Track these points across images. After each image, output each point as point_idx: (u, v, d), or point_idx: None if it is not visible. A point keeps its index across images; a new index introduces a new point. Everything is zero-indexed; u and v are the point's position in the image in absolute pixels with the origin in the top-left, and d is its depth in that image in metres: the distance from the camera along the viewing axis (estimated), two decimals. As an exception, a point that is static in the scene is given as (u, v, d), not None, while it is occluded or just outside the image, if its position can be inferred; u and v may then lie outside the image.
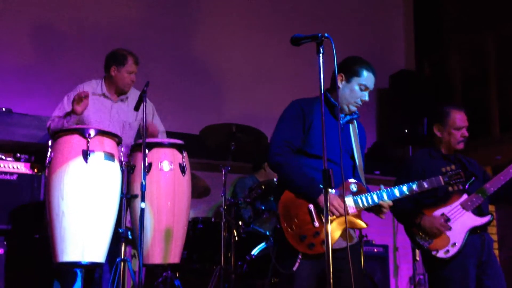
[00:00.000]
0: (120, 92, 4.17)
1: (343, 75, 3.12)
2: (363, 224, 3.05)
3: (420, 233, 3.67)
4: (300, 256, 2.90)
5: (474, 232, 3.63)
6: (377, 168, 6.39)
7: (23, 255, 3.86)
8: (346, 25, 6.80)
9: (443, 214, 3.65)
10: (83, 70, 5.05)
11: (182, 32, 6.13)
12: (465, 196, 3.68)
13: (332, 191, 2.94)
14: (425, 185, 3.17)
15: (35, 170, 3.99)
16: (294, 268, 2.88)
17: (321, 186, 2.92)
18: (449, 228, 3.61)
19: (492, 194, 3.67)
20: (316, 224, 2.93)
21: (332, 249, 2.87)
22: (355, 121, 3.23)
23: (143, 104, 3.53)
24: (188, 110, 5.94)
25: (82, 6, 5.70)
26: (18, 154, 4.07)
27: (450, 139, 3.81)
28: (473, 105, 6.79)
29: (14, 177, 3.94)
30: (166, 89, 5.56)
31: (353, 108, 3.15)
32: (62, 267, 3.29)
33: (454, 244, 3.59)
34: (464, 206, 3.66)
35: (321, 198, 2.89)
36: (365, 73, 3.11)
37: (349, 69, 3.13)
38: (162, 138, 4.18)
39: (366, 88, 3.13)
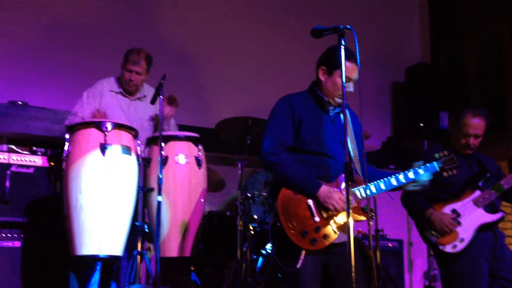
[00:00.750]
0: (126, 90, 4.15)
1: (324, 68, 3.04)
2: (362, 217, 2.99)
3: (429, 229, 3.64)
4: (303, 253, 2.84)
5: (484, 229, 3.61)
6: (392, 163, 6.33)
7: (40, 248, 3.86)
8: (361, 18, 6.73)
9: (454, 210, 3.64)
10: (99, 65, 5.05)
11: (195, 25, 6.11)
12: (478, 193, 3.66)
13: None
14: (421, 171, 3.07)
15: (52, 163, 4.00)
16: (298, 265, 2.83)
17: (320, 181, 2.91)
18: (459, 224, 3.58)
19: (508, 191, 3.64)
20: (317, 219, 2.88)
21: (333, 244, 2.87)
22: (346, 110, 3.12)
23: (159, 97, 3.54)
24: (203, 104, 5.92)
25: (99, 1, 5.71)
26: (34, 148, 4.08)
27: (455, 141, 3.78)
28: (489, 98, 6.72)
29: (31, 170, 3.94)
30: (181, 83, 5.54)
31: (339, 101, 3.03)
32: (80, 260, 3.31)
33: (462, 239, 3.57)
34: (476, 202, 3.64)
35: (320, 192, 2.88)
36: (346, 64, 2.83)
37: (330, 61, 3.00)
38: (178, 131, 4.17)
39: (350, 79, 2.98)
